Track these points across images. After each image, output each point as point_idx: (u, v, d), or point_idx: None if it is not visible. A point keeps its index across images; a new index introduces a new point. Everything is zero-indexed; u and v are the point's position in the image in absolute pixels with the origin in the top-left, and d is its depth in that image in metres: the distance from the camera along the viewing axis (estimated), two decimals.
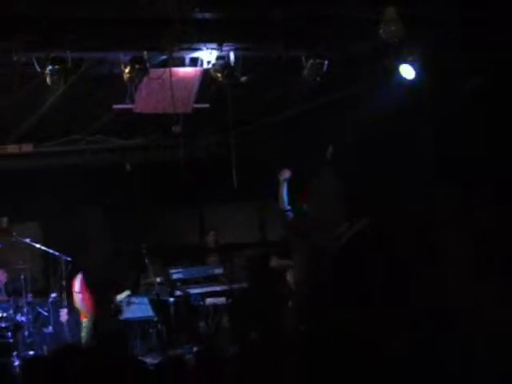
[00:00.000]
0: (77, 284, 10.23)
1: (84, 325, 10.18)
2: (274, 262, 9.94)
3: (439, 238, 9.31)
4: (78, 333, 10.27)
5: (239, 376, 4.44)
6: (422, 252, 9.53)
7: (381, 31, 7.33)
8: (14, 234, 10.61)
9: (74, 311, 10.37)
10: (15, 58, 7.15)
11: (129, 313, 10.50)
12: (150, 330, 10.55)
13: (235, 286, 11.25)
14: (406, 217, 9.92)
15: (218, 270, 11.38)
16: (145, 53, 7.55)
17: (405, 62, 8.28)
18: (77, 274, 10.34)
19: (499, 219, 8.82)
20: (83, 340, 10.08)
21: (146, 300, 10.60)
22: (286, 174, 9.60)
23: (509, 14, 7.62)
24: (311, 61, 7.98)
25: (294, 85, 9.08)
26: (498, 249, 8.71)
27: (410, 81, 8.42)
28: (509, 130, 8.55)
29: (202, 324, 10.83)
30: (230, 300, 11.10)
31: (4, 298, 10.23)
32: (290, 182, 9.63)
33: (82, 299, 10.17)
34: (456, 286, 8.91)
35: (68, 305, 10.33)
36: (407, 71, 8.35)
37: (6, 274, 10.58)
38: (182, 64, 8.07)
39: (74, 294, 10.22)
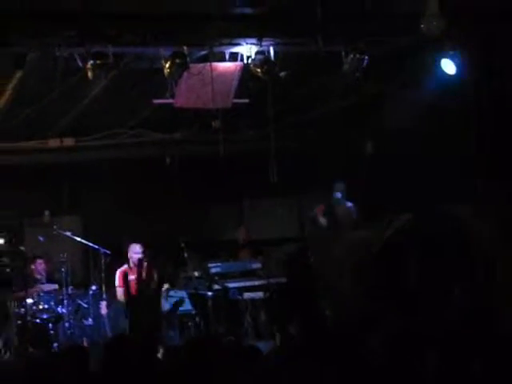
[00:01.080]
0: (117, 278, 10.29)
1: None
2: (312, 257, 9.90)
3: (479, 236, 9.20)
4: (118, 325, 10.30)
5: (277, 370, 4.45)
6: (461, 251, 9.44)
7: (422, 26, 7.27)
8: (55, 227, 10.71)
9: (114, 304, 10.43)
10: (58, 53, 7.23)
11: (168, 306, 10.54)
12: (189, 323, 10.59)
13: (273, 280, 11.26)
14: (446, 214, 9.83)
15: (256, 265, 11.38)
16: (185, 48, 7.59)
17: (446, 56, 8.21)
18: (117, 264, 10.38)
19: None
20: None
21: (184, 294, 10.63)
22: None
23: None
24: (351, 56, 7.94)
25: (334, 80, 9.03)
26: None
27: (451, 76, 8.34)
28: None
29: (239, 318, 10.84)
30: (267, 294, 11.09)
31: (51, 287, 10.32)
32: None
33: (123, 292, 10.21)
34: (496, 287, 8.80)
35: (108, 297, 10.41)
36: (449, 66, 8.27)
37: (44, 265, 10.69)
38: (222, 59, 8.09)
39: (116, 288, 10.27)
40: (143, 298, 9.93)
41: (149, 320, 9.88)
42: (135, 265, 10.17)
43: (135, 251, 10.23)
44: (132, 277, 10.20)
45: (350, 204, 10.21)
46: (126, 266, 10.29)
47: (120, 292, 10.09)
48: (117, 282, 10.18)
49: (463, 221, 8.99)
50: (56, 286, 10.33)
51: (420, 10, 7.25)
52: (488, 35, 8.00)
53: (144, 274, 10.07)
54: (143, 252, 10.22)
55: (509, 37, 8.06)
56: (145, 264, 10.27)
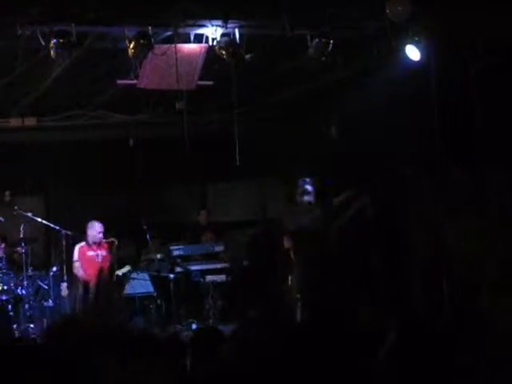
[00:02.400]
0: (75, 252, 10.32)
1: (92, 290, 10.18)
2: (288, 242, 9.76)
3: (442, 218, 9.32)
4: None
5: (237, 354, 4.44)
6: (425, 231, 9.55)
7: (387, 11, 7.29)
8: (16, 207, 10.60)
9: (75, 284, 10.39)
10: (19, 32, 7.12)
11: (129, 288, 10.53)
12: (150, 306, 10.57)
13: (235, 263, 11.29)
14: (409, 197, 9.93)
15: (219, 248, 11.39)
16: (150, 28, 7.52)
17: (411, 42, 8.24)
18: (77, 243, 10.39)
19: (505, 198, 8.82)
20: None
21: (146, 276, 10.63)
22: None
23: None
24: (316, 40, 7.94)
25: (299, 64, 9.03)
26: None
27: (416, 61, 8.38)
28: None
29: (201, 301, 10.85)
30: (229, 278, 11.12)
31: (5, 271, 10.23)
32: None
33: (81, 267, 10.25)
34: (460, 262, 8.92)
35: (68, 279, 10.36)
36: (413, 52, 8.31)
37: (5, 246, 10.59)
38: (186, 40, 8.03)
39: (73, 262, 10.30)
40: (103, 282, 9.98)
41: (110, 304, 9.91)
42: (94, 242, 10.26)
43: (95, 229, 10.26)
44: (91, 253, 10.29)
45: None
46: (83, 243, 10.31)
47: (77, 265, 10.18)
48: (75, 257, 10.29)
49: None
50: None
51: None
52: (452, 22, 8.04)
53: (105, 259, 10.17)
54: (103, 232, 10.28)
55: (473, 23, 8.12)
56: (104, 244, 10.32)
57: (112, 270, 10.34)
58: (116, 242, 10.31)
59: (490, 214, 8.85)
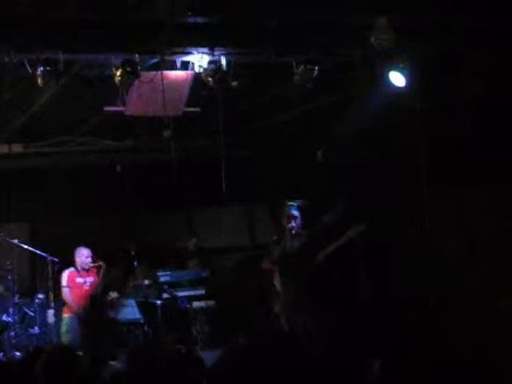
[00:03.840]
0: (64, 278, 10.22)
1: (65, 321, 10.13)
2: (266, 264, 9.91)
3: (433, 241, 9.38)
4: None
5: (223, 380, 4.45)
6: (416, 257, 9.59)
7: (372, 39, 7.37)
8: (2, 234, 10.56)
9: (63, 310, 10.33)
10: (6, 59, 7.15)
11: (116, 314, 10.49)
12: (137, 332, 10.53)
13: (220, 289, 11.29)
14: (398, 221, 9.98)
15: (204, 274, 11.40)
16: (136, 56, 7.57)
17: (395, 69, 8.33)
18: (65, 269, 10.32)
19: (491, 220, 8.90)
20: (62, 337, 10.00)
21: (133, 302, 10.60)
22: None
23: (504, 21, 7.67)
24: (302, 67, 8.01)
25: (285, 90, 9.10)
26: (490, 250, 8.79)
27: (400, 88, 8.47)
28: (501, 132, 8.60)
29: (188, 327, 10.83)
30: (215, 304, 11.11)
31: None
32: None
33: (70, 293, 10.18)
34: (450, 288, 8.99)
35: (55, 305, 10.31)
36: (397, 78, 8.40)
37: None
38: (173, 67, 8.08)
39: (62, 288, 10.20)
40: (94, 310, 9.94)
41: (101, 333, 9.86)
42: (83, 269, 10.24)
43: (83, 255, 10.25)
44: (80, 280, 10.25)
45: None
46: (72, 269, 10.27)
47: (67, 291, 10.10)
48: (64, 282, 10.19)
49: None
50: None
51: (370, 23, 7.34)
52: (436, 49, 8.14)
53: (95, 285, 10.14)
54: (91, 257, 10.26)
55: (456, 51, 8.22)
56: (93, 270, 10.30)
57: (100, 293, 10.31)
58: (104, 266, 10.27)
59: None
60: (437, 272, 9.24)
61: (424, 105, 8.86)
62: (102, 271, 10.31)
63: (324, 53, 8.02)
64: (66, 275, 10.23)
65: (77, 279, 10.29)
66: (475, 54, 8.23)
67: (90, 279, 10.32)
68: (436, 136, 9.03)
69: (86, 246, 10.40)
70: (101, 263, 10.29)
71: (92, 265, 10.29)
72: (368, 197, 9.89)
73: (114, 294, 10.66)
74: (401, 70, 8.32)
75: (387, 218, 9.95)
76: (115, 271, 11.75)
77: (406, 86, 8.40)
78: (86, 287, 10.27)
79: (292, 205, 9.67)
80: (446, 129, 9.04)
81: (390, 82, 8.40)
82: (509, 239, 8.66)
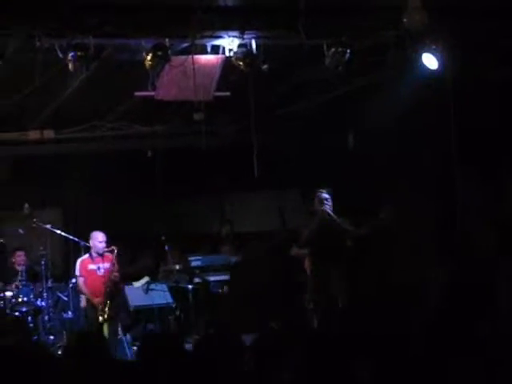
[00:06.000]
0: (77, 267, 9.81)
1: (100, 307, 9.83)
2: (294, 250, 9.94)
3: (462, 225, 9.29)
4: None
5: (255, 365, 4.44)
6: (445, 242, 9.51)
7: (405, 20, 7.27)
8: (35, 219, 10.62)
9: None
10: (38, 45, 7.17)
11: (148, 299, 10.49)
12: (169, 317, 10.57)
13: (253, 274, 11.28)
14: (427, 208, 9.89)
15: (237, 259, 11.42)
16: (167, 40, 7.55)
17: (428, 51, 8.22)
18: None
19: None
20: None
21: (165, 287, 10.60)
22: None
23: None
24: (333, 49, 7.92)
25: (316, 73, 9.03)
26: None
27: (432, 70, 8.36)
28: None
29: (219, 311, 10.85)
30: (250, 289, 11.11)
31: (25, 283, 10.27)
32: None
33: (83, 283, 9.82)
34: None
35: None
36: (430, 61, 8.28)
37: (24, 257, 10.63)
38: (203, 51, 8.05)
39: (77, 278, 9.83)
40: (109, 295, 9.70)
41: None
42: (97, 253, 9.86)
43: (97, 239, 9.81)
44: (92, 266, 9.79)
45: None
46: (86, 256, 9.86)
47: (81, 281, 9.78)
48: (77, 272, 9.80)
49: None
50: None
51: (403, 4, 7.25)
52: (469, 31, 8.02)
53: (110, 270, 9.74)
54: (106, 242, 9.80)
55: (488, 33, 8.10)
56: (109, 256, 9.87)
57: (117, 280, 9.82)
58: (115, 250, 9.68)
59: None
60: None
61: (456, 87, 8.75)
62: (114, 256, 9.69)
63: (356, 35, 7.93)
64: (78, 264, 9.82)
65: (89, 266, 9.78)
66: (508, 38, 8.11)
67: (104, 265, 9.76)
68: (468, 119, 8.90)
69: (101, 230, 9.90)
70: (113, 247, 9.68)
71: (106, 249, 9.73)
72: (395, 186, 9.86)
73: (145, 279, 10.69)
74: (434, 52, 8.20)
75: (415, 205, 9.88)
76: (144, 260, 11.76)
77: (438, 69, 8.29)
78: (100, 274, 9.72)
79: (322, 191, 9.68)
80: (479, 113, 8.93)
81: (423, 64, 8.29)
82: None
